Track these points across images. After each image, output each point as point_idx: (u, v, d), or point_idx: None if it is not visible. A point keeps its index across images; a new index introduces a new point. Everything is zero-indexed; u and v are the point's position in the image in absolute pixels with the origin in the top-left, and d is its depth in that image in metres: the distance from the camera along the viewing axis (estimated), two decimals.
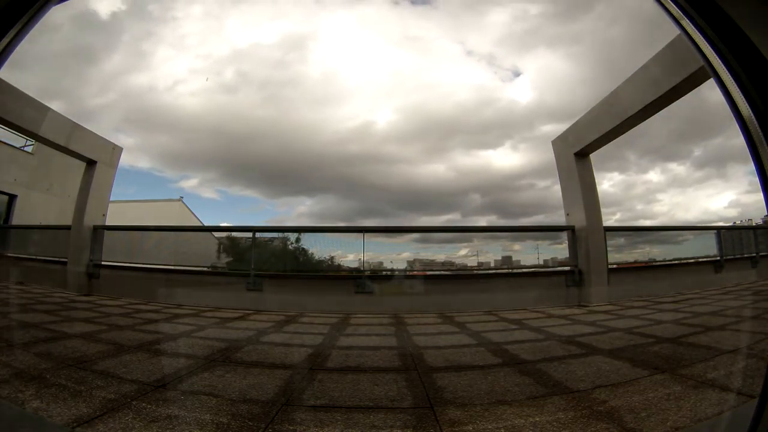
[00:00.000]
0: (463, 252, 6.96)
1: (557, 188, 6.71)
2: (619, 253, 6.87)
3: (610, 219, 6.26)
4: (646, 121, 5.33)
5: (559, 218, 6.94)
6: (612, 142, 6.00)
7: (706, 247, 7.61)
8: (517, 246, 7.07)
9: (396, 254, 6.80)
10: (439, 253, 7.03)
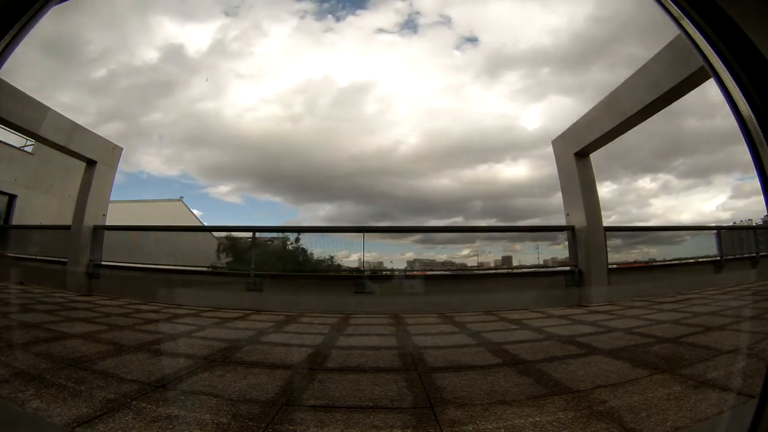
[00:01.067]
0: (465, 252, 6.99)
1: (550, 197, 6.76)
2: (616, 254, 6.87)
3: (605, 222, 6.28)
4: (623, 139, 5.42)
5: (555, 222, 6.97)
6: (599, 154, 6.08)
7: (702, 248, 7.63)
8: (518, 246, 7.09)
9: (400, 254, 6.86)
10: (442, 253, 7.07)
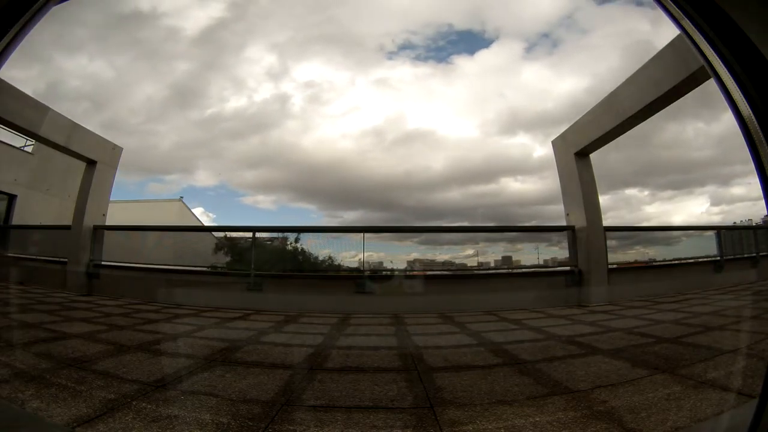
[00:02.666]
0: (468, 252, 7.01)
1: (549, 206, 6.81)
2: (615, 255, 6.87)
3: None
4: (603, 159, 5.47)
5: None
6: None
7: (701, 248, 7.63)
8: (519, 246, 7.11)
9: (405, 255, 6.91)
10: (445, 253, 7.11)
